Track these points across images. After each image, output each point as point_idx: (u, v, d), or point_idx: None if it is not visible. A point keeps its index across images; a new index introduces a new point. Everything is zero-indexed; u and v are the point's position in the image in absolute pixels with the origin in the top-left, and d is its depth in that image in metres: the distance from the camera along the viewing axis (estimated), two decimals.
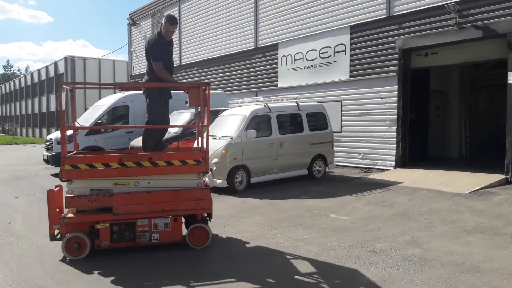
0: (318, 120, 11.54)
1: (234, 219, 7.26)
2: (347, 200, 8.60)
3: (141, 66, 23.50)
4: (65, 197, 5.27)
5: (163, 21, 5.85)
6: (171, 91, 6.21)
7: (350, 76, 13.54)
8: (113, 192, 5.29)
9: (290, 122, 11.12)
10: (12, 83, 54.71)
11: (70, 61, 35.43)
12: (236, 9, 17.80)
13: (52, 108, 38.55)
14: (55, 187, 5.65)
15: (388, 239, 5.88)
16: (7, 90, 55.92)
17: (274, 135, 10.39)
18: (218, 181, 9.47)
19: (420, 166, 12.26)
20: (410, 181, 10.28)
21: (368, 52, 12.97)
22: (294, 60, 15.40)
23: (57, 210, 5.43)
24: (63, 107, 6.20)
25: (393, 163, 12.39)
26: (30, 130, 45.70)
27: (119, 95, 14.00)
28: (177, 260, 5.16)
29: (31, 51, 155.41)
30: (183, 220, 5.81)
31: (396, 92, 12.27)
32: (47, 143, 13.52)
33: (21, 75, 66.15)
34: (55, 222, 5.32)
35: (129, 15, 25.33)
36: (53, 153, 12.61)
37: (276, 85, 16.10)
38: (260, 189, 9.87)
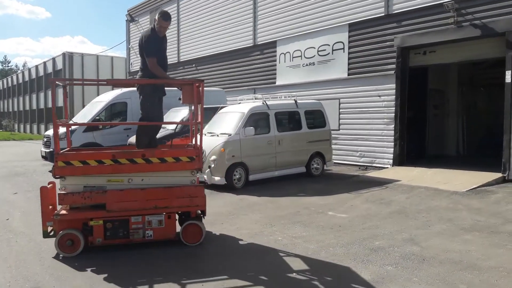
0: (316, 118, 11.51)
1: (232, 216, 7.24)
2: (345, 198, 8.57)
3: (139, 62, 23.33)
4: (58, 194, 5.23)
5: (156, 17, 5.78)
6: (165, 88, 6.16)
7: (348, 74, 13.49)
8: (106, 189, 5.25)
9: (288, 119, 11.08)
10: (9, 79, 54.57)
11: (68, 57, 35.36)
12: (235, 6, 17.73)
13: (50, 104, 38.46)
14: (48, 184, 5.62)
15: (386, 237, 5.86)
16: (5, 86, 55.80)
17: (272, 133, 10.35)
18: (217, 178, 9.44)
19: (417, 164, 12.25)
20: (407, 179, 10.26)
21: (367, 50, 12.92)
22: (293, 57, 15.35)
23: (50, 207, 5.39)
24: (60, 104, 6.14)
25: (391, 161, 12.36)
26: (28, 126, 45.63)
27: (117, 91, 13.95)
28: (170, 257, 5.13)
29: (29, 47, 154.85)
30: (177, 217, 5.77)
31: (394, 90, 12.23)
32: (45, 140, 13.49)
33: (19, 71, 66.00)
34: (48, 219, 5.28)
35: (128, 11, 25.24)
36: (51, 150, 12.55)
37: (275, 83, 16.05)
38: (258, 186, 9.85)
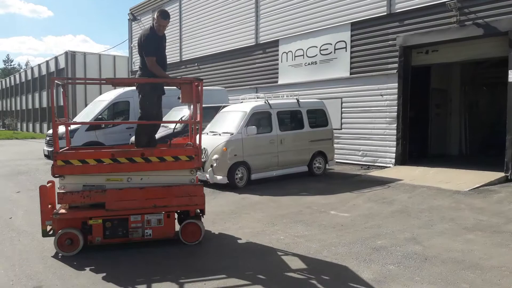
0: (318, 117, 11.48)
1: (235, 215, 7.22)
2: (347, 197, 8.54)
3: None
4: (58, 193, 5.21)
5: (155, 16, 5.74)
6: (167, 87, 6.13)
7: (351, 73, 13.44)
8: (105, 188, 5.23)
9: (291, 118, 11.05)
10: (12, 78, 54.67)
11: (71, 56, 35.40)
12: (237, 5, 17.69)
13: None
14: (48, 182, 5.61)
15: (388, 236, 5.83)
16: (8, 85, 55.92)
17: (274, 132, 10.32)
18: (219, 177, 9.43)
19: (420, 163, 12.20)
20: (410, 179, 10.21)
21: (369, 49, 12.87)
22: (295, 56, 15.30)
23: (49, 206, 5.38)
24: (61, 103, 6.14)
25: (393, 160, 12.31)
26: (30, 125, 45.72)
27: (120, 90, 13.95)
28: (169, 256, 5.11)
29: (32, 46, 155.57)
30: (176, 216, 5.76)
31: (397, 90, 12.17)
32: (48, 138, 13.50)
33: (22, 70, 66.14)
34: (47, 218, 5.27)
35: (130, 10, 25.23)
36: None
37: (277, 82, 16.00)
38: (260, 185, 9.83)
